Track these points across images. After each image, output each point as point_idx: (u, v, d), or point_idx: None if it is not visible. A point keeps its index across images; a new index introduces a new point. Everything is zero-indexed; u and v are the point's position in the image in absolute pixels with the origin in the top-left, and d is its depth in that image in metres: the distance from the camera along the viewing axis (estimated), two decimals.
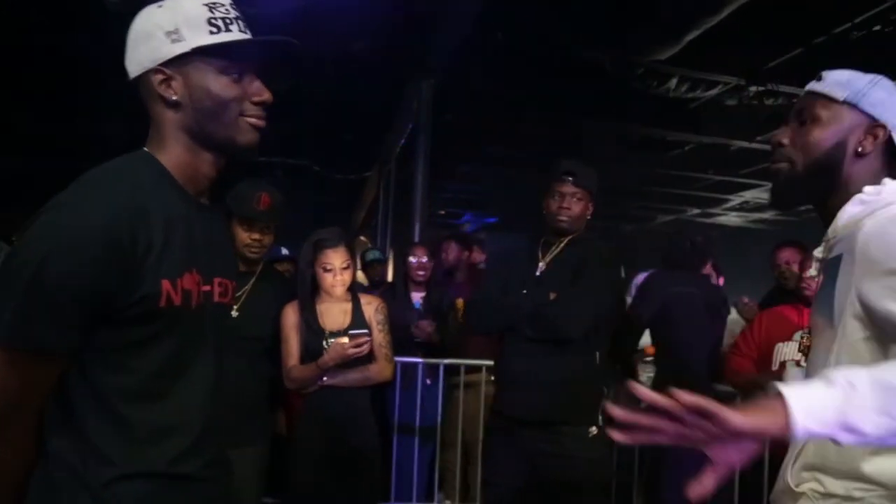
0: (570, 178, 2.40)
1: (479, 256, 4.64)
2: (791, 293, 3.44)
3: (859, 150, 1.19)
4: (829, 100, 1.22)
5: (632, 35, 4.49)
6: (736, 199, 10.52)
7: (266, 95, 1.16)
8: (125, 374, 1.07)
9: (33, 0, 4.25)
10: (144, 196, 1.06)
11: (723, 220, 12.18)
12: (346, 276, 2.58)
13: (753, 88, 5.19)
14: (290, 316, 2.56)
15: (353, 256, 2.67)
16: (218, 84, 1.11)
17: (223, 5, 1.13)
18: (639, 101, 5.57)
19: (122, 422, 1.07)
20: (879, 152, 1.20)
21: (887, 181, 1.16)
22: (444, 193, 10.38)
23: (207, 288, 1.15)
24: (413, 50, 5.07)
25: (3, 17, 4.37)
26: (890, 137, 1.19)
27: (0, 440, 1.03)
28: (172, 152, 1.14)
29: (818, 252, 1.24)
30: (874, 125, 1.19)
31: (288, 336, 2.55)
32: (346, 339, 2.49)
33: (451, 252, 4.43)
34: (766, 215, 11.59)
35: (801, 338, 2.91)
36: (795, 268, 3.46)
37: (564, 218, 2.41)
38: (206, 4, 1.11)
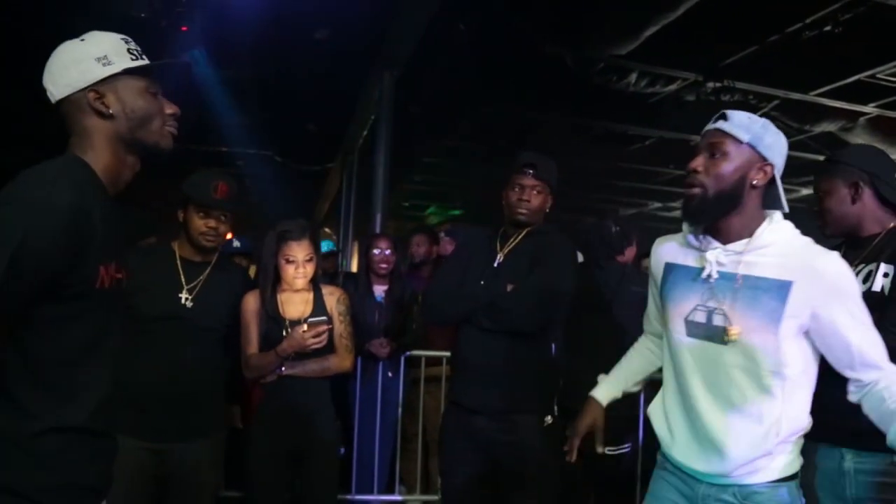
0: (531, 171, 2.42)
1: (447, 246, 4.60)
2: None
3: (754, 182, 1.53)
4: (735, 139, 1.53)
5: (591, 30, 4.54)
6: None
7: (176, 109, 1.42)
8: (54, 341, 1.23)
9: None
10: (85, 193, 1.24)
11: None
12: (309, 269, 2.57)
13: (711, 85, 5.29)
14: (251, 303, 2.54)
15: (317, 249, 2.66)
16: (143, 100, 1.36)
17: (132, 41, 1.37)
18: (599, 96, 5.63)
19: (47, 383, 1.23)
20: (765, 185, 1.55)
21: (780, 217, 1.55)
22: (409, 185, 10.37)
23: (119, 275, 1.34)
24: (375, 40, 5.05)
25: None
26: (773, 175, 1.54)
27: None
28: (100, 157, 1.33)
29: (718, 255, 1.56)
30: (765, 164, 1.54)
31: (248, 323, 2.53)
32: (305, 327, 2.48)
33: (421, 246, 4.42)
34: None
35: None
36: None
37: (524, 210, 2.43)
38: (122, 38, 1.36)
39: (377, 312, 3.76)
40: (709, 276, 1.57)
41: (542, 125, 6.84)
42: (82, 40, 1.33)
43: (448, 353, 3.14)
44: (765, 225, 1.54)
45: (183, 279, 2.39)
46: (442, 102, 6.25)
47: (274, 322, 2.53)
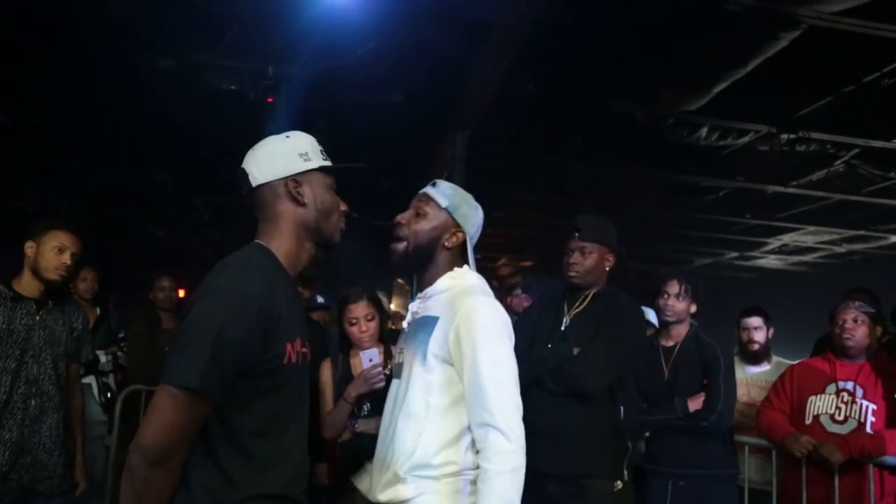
0: (577, 234, 2.47)
1: (523, 302, 4.64)
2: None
3: (446, 244, 1.78)
4: (436, 203, 1.79)
5: (659, 89, 4.58)
6: (774, 243, 10.39)
7: (346, 207, 1.60)
8: (251, 415, 1.38)
9: (95, 62, 4.54)
10: (271, 279, 1.42)
11: (762, 262, 12.01)
12: (372, 327, 2.69)
13: (785, 136, 5.21)
14: (325, 372, 2.72)
15: (378, 307, 2.78)
16: (329, 195, 1.56)
17: (317, 140, 1.59)
18: (670, 149, 5.63)
19: (247, 453, 1.37)
20: (458, 248, 1.79)
21: (466, 269, 1.78)
22: (481, 238, 10.47)
23: (304, 350, 1.49)
24: (447, 102, 5.23)
25: (68, 74, 4.70)
26: (465, 240, 1.78)
27: (166, 470, 1.29)
28: (284, 242, 1.51)
29: (413, 305, 1.81)
30: (458, 229, 1.79)
31: (323, 389, 2.71)
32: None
33: None
34: (807, 258, 11.40)
35: (835, 391, 2.88)
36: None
37: (573, 273, 2.48)
38: (315, 140, 1.57)
39: None
40: (408, 323, 1.82)
41: (612, 177, 6.85)
42: (287, 137, 1.54)
43: None
44: (446, 276, 1.76)
45: None
46: (512, 157, 6.37)
47: (347, 383, 2.65)
